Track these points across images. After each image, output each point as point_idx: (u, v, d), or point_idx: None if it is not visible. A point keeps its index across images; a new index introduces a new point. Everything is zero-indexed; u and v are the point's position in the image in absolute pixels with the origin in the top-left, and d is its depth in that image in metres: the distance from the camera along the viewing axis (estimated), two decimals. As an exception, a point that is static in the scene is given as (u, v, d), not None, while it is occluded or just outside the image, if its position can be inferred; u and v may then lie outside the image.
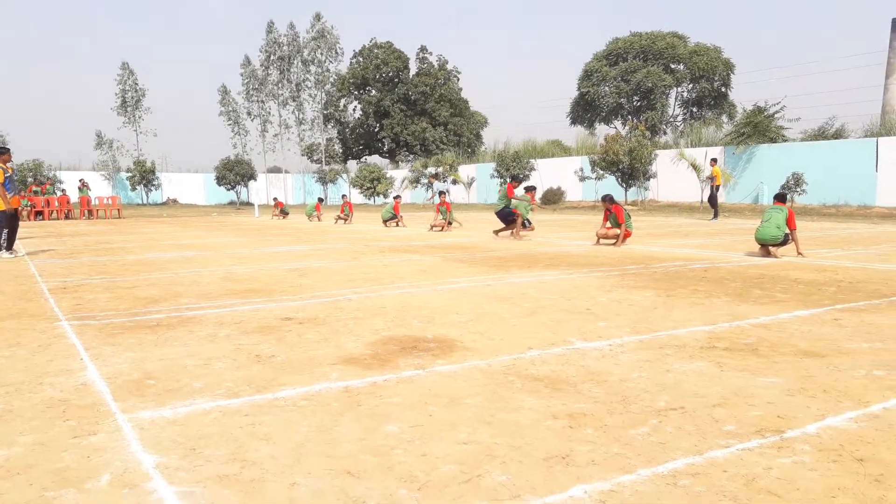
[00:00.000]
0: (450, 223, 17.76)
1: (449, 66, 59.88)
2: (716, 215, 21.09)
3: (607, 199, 12.58)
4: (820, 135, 28.59)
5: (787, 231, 9.76)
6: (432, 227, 17.98)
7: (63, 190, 36.14)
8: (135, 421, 3.25)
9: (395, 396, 3.57)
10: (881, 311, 5.75)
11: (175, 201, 49.34)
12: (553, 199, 34.56)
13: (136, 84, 51.98)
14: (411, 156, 56.36)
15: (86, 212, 31.85)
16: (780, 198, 10.41)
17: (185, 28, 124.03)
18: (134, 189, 47.63)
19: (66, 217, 30.98)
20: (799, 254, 9.81)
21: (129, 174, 47.40)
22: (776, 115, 28.93)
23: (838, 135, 28.27)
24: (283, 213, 28.59)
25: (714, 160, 22.17)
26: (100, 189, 43.69)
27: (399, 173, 47.07)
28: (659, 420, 3.17)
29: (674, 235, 14.84)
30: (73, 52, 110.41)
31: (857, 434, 2.97)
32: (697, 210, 26.64)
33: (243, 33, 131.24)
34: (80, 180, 34.83)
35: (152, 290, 7.51)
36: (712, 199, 21.35)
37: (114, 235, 18.04)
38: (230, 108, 55.11)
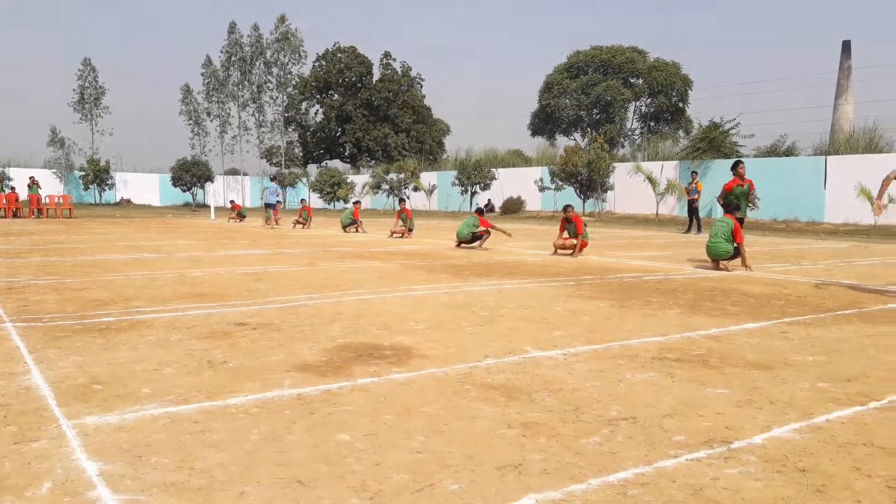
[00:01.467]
0: (410, 230, 17.75)
1: (412, 73, 59.96)
2: (699, 229, 21.08)
3: (567, 210, 12.72)
4: (772, 151, 29.38)
5: (737, 244, 9.98)
6: (392, 233, 17.95)
7: (12, 187, 35.04)
8: (79, 427, 3.16)
9: (350, 404, 3.55)
10: (826, 325, 5.92)
11: (129, 202, 48.27)
12: (513, 208, 34.84)
13: (97, 81, 50.94)
14: (373, 161, 56.17)
15: (35, 210, 30.94)
16: (726, 207, 10.69)
17: (146, 26, 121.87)
18: (87, 188, 46.45)
19: (15, 216, 30.06)
20: (746, 267, 10.02)
21: (83, 173, 46.24)
22: (731, 132, 29.65)
23: (790, 152, 29.09)
24: (240, 216, 28.21)
25: (695, 173, 22.44)
26: (51, 187, 42.53)
27: (360, 178, 46.86)
28: (610, 430, 3.21)
29: (629, 247, 15.07)
30: (27, 44, 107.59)
31: (801, 445, 3.05)
32: (653, 222, 27.10)
33: (206, 33, 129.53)
34: (29, 178, 33.85)
35: (103, 293, 7.33)
36: (696, 212, 21.45)
37: (64, 235, 17.58)
38: (191, 108, 54.35)
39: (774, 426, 3.29)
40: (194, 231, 20.36)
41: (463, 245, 14.04)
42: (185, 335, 5.18)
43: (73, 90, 50.58)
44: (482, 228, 13.93)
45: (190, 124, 54.67)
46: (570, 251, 12.38)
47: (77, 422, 3.23)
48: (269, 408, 3.48)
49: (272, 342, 4.97)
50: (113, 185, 47.70)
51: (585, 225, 12.60)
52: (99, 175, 45.78)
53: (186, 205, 47.87)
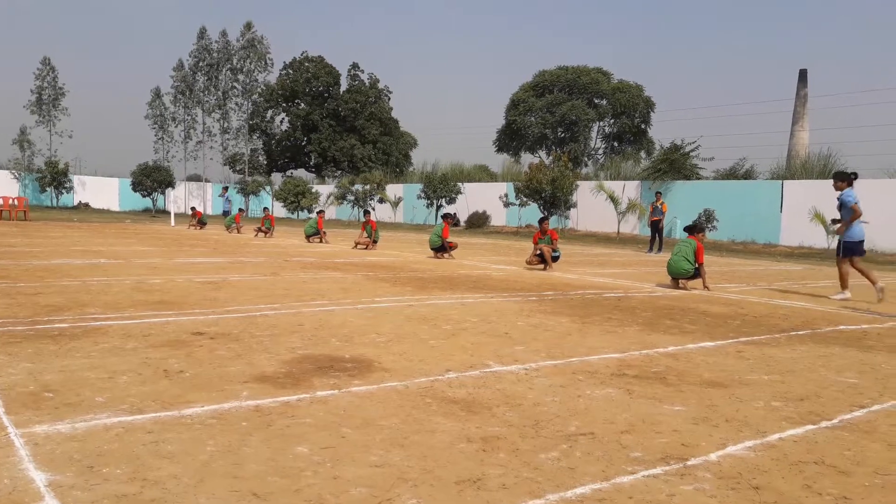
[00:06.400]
0: (375, 241, 17.70)
1: (380, 85, 59.97)
2: (661, 247, 21.29)
3: (544, 223, 13.29)
4: (731, 174, 30.05)
5: (697, 264, 10.17)
6: (357, 244, 17.87)
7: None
8: (28, 436, 3.07)
9: (308, 417, 3.51)
10: (780, 345, 6.05)
11: (87, 206, 47.17)
12: (478, 222, 34.98)
13: (56, 81, 49.80)
14: (338, 172, 55.90)
15: (-13, 212, 30.07)
16: (689, 229, 10.83)
17: (110, 29, 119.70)
18: (44, 191, 45.31)
19: (-34, 216, 29.18)
20: (705, 287, 10.22)
21: (40, 175, 45.10)
22: (691, 154, 30.24)
23: (748, 175, 29.77)
24: (201, 223, 27.78)
25: (659, 193, 22.67)
26: (8, 189, 41.42)
27: (325, 189, 46.59)
28: (569, 445, 3.23)
29: (590, 264, 15.24)
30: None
31: (754, 463, 3.11)
32: (614, 240, 27.44)
33: (170, 37, 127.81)
34: (-17, 178, 32.92)
35: (56, 298, 7.15)
36: (660, 231, 21.68)
37: (18, 238, 17.11)
38: (157, 113, 53.55)
39: (729, 444, 3.35)
40: (153, 237, 20.00)
41: (437, 255, 15.00)
42: (141, 343, 5.08)
43: (31, 90, 49.44)
44: (450, 240, 15.00)
45: (155, 128, 53.93)
46: (542, 266, 12.75)
47: (26, 430, 3.14)
48: (225, 419, 3.42)
49: (230, 352, 4.89)
50: (71, 188, 46.57)
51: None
52: (57, 178, 44.67)
53: (146, 210, 46.98)
